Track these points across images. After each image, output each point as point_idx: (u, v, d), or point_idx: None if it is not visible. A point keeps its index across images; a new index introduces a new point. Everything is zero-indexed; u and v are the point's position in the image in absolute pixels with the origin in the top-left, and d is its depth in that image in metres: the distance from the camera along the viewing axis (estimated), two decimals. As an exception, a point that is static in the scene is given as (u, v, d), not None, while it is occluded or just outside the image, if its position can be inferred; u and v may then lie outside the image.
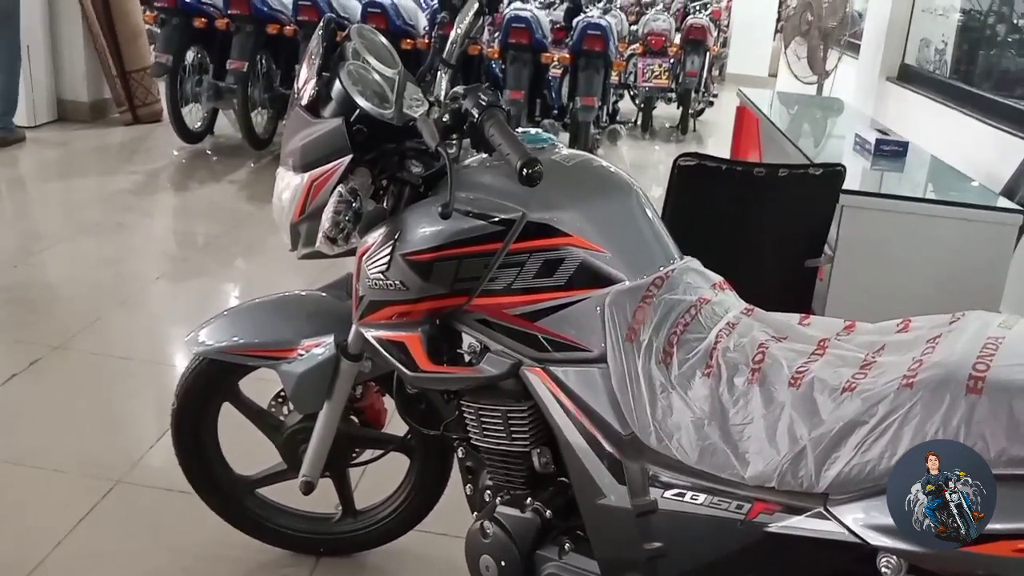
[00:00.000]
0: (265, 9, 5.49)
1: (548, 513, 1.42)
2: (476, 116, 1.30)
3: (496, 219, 1.31)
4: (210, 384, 1.85)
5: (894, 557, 0.99)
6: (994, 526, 0.90)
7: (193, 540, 2.02)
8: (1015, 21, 4.87)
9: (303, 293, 1.85)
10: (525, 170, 1.20)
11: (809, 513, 1.04)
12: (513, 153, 1.23)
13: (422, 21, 5.73)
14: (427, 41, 5.49)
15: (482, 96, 1.31)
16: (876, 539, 0.98)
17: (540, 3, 6.28)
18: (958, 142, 3.90)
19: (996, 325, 1.07)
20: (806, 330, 1.23)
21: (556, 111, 6.07)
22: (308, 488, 1.79)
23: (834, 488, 1.02)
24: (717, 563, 1.16)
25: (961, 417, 0.94)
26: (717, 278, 1.38)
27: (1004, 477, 0.91)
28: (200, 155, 5.69)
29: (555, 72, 6.05)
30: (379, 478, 2.01)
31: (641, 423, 1.21)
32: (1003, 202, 2.54)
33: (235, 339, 1.75)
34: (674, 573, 1.21)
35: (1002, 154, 3.18)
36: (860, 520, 0.99)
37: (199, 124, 5.77)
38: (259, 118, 5.73)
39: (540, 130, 1.46)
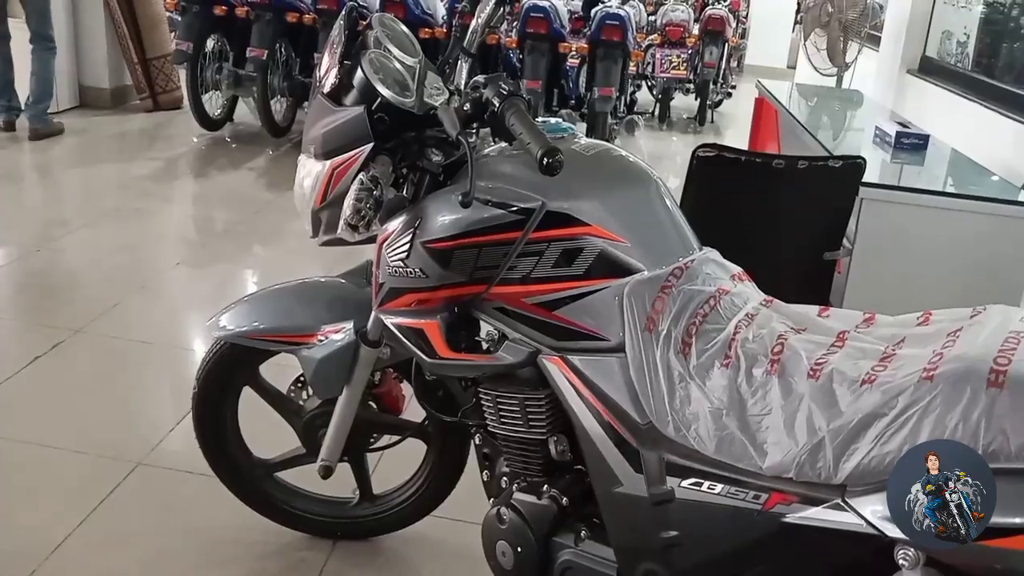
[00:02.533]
0: (284, -3, 5.51)
1: (564, 500, 1.43)
2: (497, 105, 1.30)
3: (516, 208, 1.32)
4: (231, 368, 1.87)
5: (912, 549, 0.99)
6: (1013, 520, 0.90)
7: (212, 522, 2.04)
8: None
9: (323, 280, 1.87)
10: (545, 159, 1.20)
11: (827, 504, 1.04)
12: (534, 142, 1.23)
13: (440, 10, 5.73)
14: (445, 30, 5.49)
15: (503, 85, 1.31)
16: (894, 531, 0.98)
17: (559, -8, 6.26)
18: (980, 136, 3.86)
19: (1018, 320, 1.07)
20: (825, 322, 1.23)
21: (574, 101, 6.06)
22: (327, 472, 1.82)
23: (852, 480, 1.03)
24: (733, 553, 1.16)
25: (982, 411, 0.94)
26: (736, 269, 1.38)
27: (1023, 472, 0.91)
28: (220, 142, 5.73)
29: (573, 62, 6.03)
30: (396, 464, 2.03)
31: (659, 412, 1.21)
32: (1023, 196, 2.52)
33: (256, 324, 1.77)
34: (690, 562, 1.21)
35: (1020, 146, 3.15)
36: (878, 512, 0.99)
37: (219, 111, 5.81)
38: (278, 106, 5.76)
39: (560, 120, 1.46)
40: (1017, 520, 0.89)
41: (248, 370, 1.89)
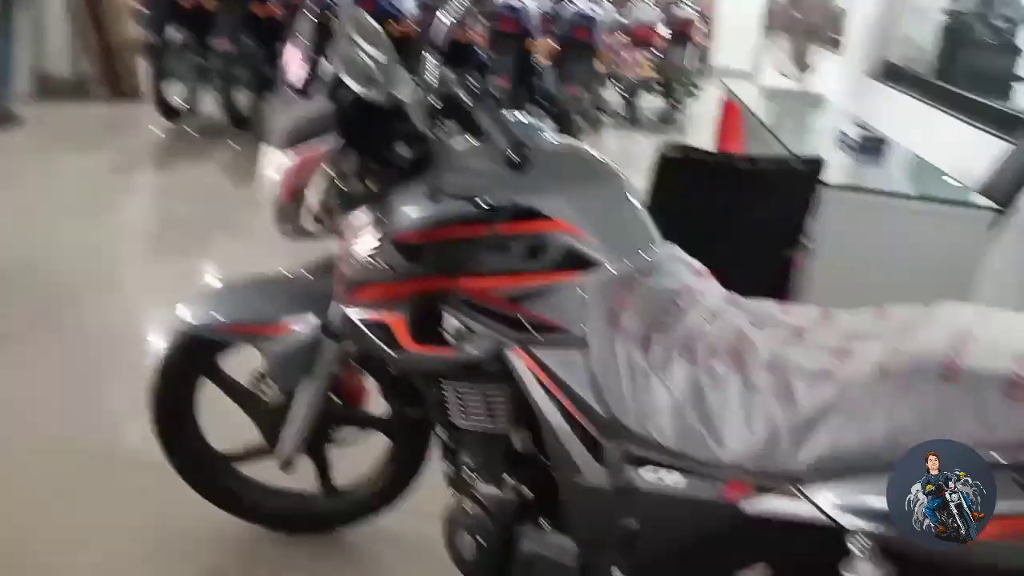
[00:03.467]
0: (250, -12, 5.46)
1: (526, 492, 1.45)
2: (466, 101, 1.31)
3: (483, 202, 1.33)
4: (190, 361, 1.86)
5: (865, 539, 1.02)
6: None
7: (170, 516, 2.02)
8: (995, 23, 4.94)
9: (287, 273, 1.86)
10: (513, 155, 1.22)
11: (783, 494, 1.07)
12: (502, 138, 1.25)
13: (408, 4, 5.71)
14: (413, 24, 5.47)
15: (473, 82, 1.32)
16: (848, 521, 1.01)
17: (528, -9, 6.28)
18: (939, 140, 3.95)
19: (968, 316, 1.10)
20: (784, 317, 1.26)
21: (542, 99, 6.09)
22: (287, 465, 1.82)
23: (808, 471, 1.05)
24: (692, 542, 1.19)
25: (934, 405, 0.97)
26: (698, 266, 1.41)
27: (972, 461, 0.94)
28: (182, 133, 5.65)
29: (542, 60, 6.05)
30: (357, 456, 2.02)
31: (620, 405, 1.23)
32: (976, 198, 2.60)
33: (218, 317, 1.76)
34: (650, 551, 1.24)
35: (981, 153, 3.23)
36: (833, 502, 1.02)
37: (181, 102, 5.73)
38: (242, 97, 5.70)
39: (528, 117, 1.47)
40: (964, 509, 0.92)
41: (208, 362, 1.88)
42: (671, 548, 1.22)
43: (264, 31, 5.62)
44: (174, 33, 5.49)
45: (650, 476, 1.20)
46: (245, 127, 5.70)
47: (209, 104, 5.87)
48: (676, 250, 1.41)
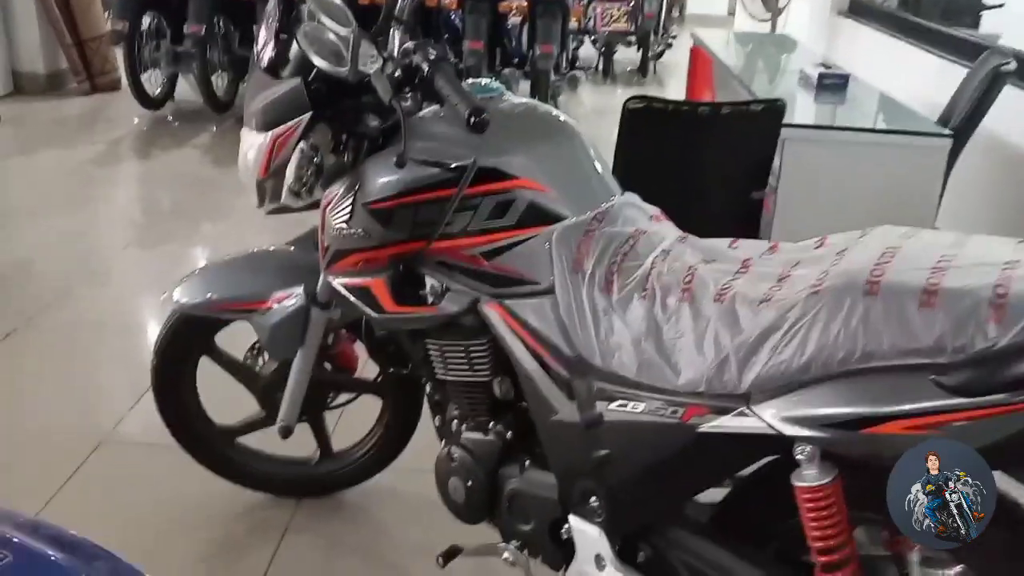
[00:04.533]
0: (221, -28, 5.45)
1: (509, 435, 1.54)
2: (426, 70, 1.38)
3: (449, 166, 1.39)
4: (187, 340, 1.93)
5: (808, 446, 1.12)
6: (889, 408, 1.02)
7: (178, 491, 2.10)
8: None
9: (272, 248, 1.93)
10: (473, 118, 1.28)
11: (734, 412, 1.15)
12: (461, 103, 1.31)
13: (378, -25, 5.71)
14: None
15: (431, 50, 1.39)
16: (791, 430, 1.10)
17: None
18: (905, 72, 4.01)
19: (897, 236, 1.19)
20: (733, 252, 1.34)
21: (517, 60, 6.09)
22: (286, 432, 1.90)
23: (755, 388, 1.14)
24: (657, 463, 1.28)
25: (859, 318, 1.05)
26: (654, 210, 1.48)
27: (896, 367, 1.03)
28: (162, 121, 5.68)
29: (514, 20, 6.06)
30: (354, 420, 2.11)
31: (587, 345, 1.32)
32: (934, 127, 2.67)
33: (209, 295, 1.83)
34: (621, 476, 1.33)
35: (944, 82, 3.29)
36: (777, 415, 1.11)
37: (159, 90, 5.75)
38: (219, 81, 5.72)
39: (489, 80, 1.53)
40: (889, 409, 1.01)
41: (204, 340, 1.95)
42: (640, 472, 1.31)
43: (239, 13, 5.63)
44: (148, 21, 5.49)
45: (617, 408, 1.29)
46: (224, 111, 5.72)
47: (187, 90, 5.88)
48: (634, 198, 1.48)
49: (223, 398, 2.05)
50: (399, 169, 1.40)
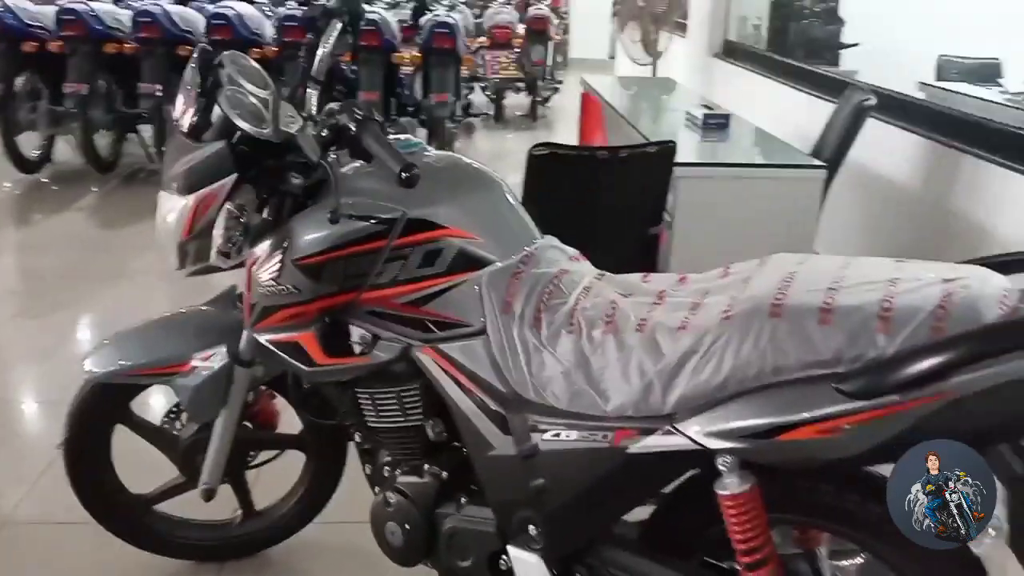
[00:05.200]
0: (101, 28, 5.34)
1: (444, 475, 1.59)
2: (353, 128, 1.44)
3: (379, 219, 1.45)
4: (101, 409, 1.89)
5: (729, 456, 1.22)
6: (798, 416, 1.14)
7: (94, 567, 2.02)
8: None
9: (188, 310, 1.91)
10: (404, 174, 1.35)
11: (660, 432, 1.25)
12: (392, 160, 1.37)
13: (268, 30, 5.73)
14: (276, 49, 5.50)
15: (357, 110, 1.45)
16: (712, 443, 1.20)
17: (386, 3, 6.38)
18: (777, 108, 4.33)
19: (793, 263, 1.33)
20: (647, 285, 1.45)
21: (411, 109, 6.21)
22: (209, 495, 1.86)
23: (678, 408, 1.24)
24: (591, 486, 1.36)
25: (767, 338, 1.18)
26: (573, 251, 1.58)
27: (802, 379, 1.16)
28: (40, 185, 5.46)
29: (407, 70, 6.18)
30: (274, 477, 2.08)
31: (520, 380, 1.40)
32: (808, 160, 2.92)
33: (126, 361, 1.81)
34: (557, 502, 1.40)
35: (813, 116, 3.59)
36: (700, 431, 1.21)
37: (36, 153, 5.54)
38: (102, 141, 5.56)
39: (408, 136, 1.62)
40: (799, 416, 1.13)
41: (119, 408, 1.91)
42: (576, 496, 1.38)
43: (121, 70, 5.52)
44: (22, 82, 5.32)
45: (552, 438, 1.36)
46: (108, 170, 5.56)
47: (66, 151, 5.65)
48: (554, 240, 1.58)
49: (132, 466, 1.99)
50: (329, 224, 1.44)
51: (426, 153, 1.59)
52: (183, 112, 1.59)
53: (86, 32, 5.25)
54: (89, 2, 5.43)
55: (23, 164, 5.38)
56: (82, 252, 4.28)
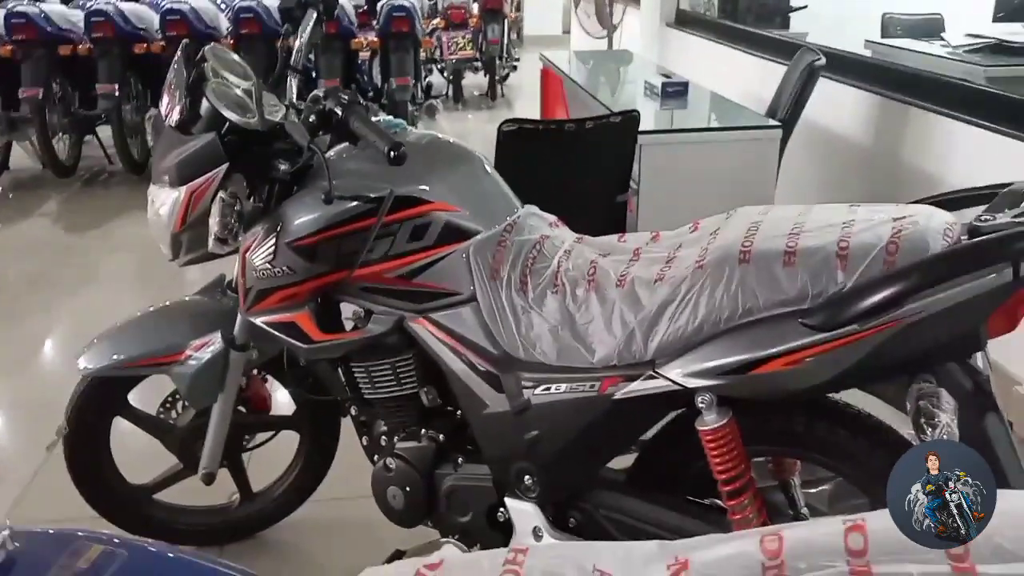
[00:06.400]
0: (54, 31, 5.28)
1: (441, 437, 1.67)
2: (340, 113, 1.51)
3: (368, 198, 1.52)
4: (101, 402, 1.93)
5: (707, 394, 1.32)
6: (771, 350, 1.24)
7: None
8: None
9: (181, 300, 1.96)
10: (393, 152, 1.42)
11: (643, 377, 1.35)
12: (380, 140, 1.44)
13: (223, 23, 5.71)
14: (232, 41, 5.48)
15: (342, 96, 1.52)
16: (691, 382, 1.31)
17: (339, -11, 6.36)
18: (732, 73, 4.44)
19: (757, 214, 1.43)
20: (624, 245, 1.55)
21: (371, 93, 6.23)
22: (209, 479, 1.92)
23: (658, 354, 1.34)
24: (582, 433, 1.46)
25: (737, 282, 1.28)
26: (552, 218, 1.67)
27: (771, 317, 1.26)
28: (-2, 194, 5.34)
29: (364, 55, 6.19)
30: (260, 460, 2.12)
31: (510, 341, 1.49)
32: (764, 121, 3.04)
33: (122, 354, 1.85)
34: (551, 451, 1.50)
35: (766, 79, 3.71)
36: (678, 373, 1.32)
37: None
38: (61, 144, 5.49)
39: (391, 117, 1.67)
40: (770, 351, 1.24)
41: (118, 401, 1.95)
42: (568, 444, 1.48)
43: (76, 72, 5.46)
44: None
45: (543, 392, 1.46)
46: (69, 174, 5.47)
47: (24, 158, 5.56)
48: (534, 209, 1.66)
49: (129, 456, 2.02)
50: (320, 207, 1.52)
51: (408, 132, 1.66)
52: (171, 107, 1.64)
53: (37, 35, 5.18)
54: (39, 4, 5.36)
55: (-21, 174, 5.31)
56: (52, 258, 4.22)
